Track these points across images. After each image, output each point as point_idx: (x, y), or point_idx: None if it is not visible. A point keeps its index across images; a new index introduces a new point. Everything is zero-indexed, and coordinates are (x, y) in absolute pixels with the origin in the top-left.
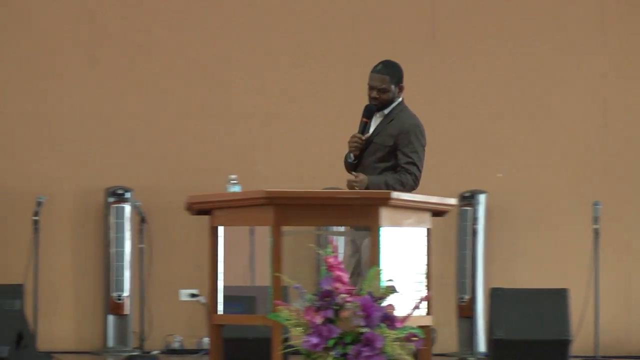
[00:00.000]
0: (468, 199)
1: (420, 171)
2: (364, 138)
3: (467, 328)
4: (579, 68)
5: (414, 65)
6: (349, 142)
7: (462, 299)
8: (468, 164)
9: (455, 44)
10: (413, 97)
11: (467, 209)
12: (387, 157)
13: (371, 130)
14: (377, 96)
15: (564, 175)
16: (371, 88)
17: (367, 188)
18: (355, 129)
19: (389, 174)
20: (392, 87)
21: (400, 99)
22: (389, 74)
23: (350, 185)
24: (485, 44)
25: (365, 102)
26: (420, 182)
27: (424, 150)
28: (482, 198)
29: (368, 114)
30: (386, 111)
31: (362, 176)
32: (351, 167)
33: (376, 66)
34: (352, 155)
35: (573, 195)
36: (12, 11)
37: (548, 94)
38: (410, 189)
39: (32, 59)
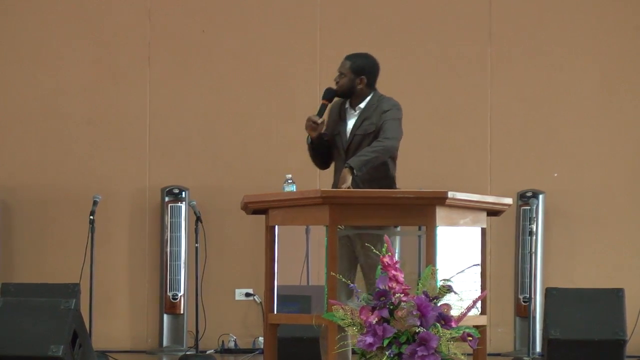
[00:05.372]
0: (527, 199)
1: (397, 138)
2: (319, 121)
3: (525, 327)
4: (638, 68)
5: (471, 65)
6: (306, 125)
7: (525, 298)
8: (526, 163)
9: (513, 44)
10: (471, 96)
11: (526, 209)
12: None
13: (349, 127)
14: (337, 80)
15: (621, 174)
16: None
17: (355, 176)
18: (415, 129)
19: (362, 150)
20: (351, 74)
21: (374, 92)
22: (350, 60)
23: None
24: (542, 43)
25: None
26: (477, 182)
27: (400, 123)
28: (540, 198)
29: (327, 95)
30: (362, 105)
31: (343, 175)
32: (314, 150)
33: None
34: (309, 137)
35: (630, 195)
36: (70, 12)
37: (606, 94)
38: (385, 154)
39: (90, 60)
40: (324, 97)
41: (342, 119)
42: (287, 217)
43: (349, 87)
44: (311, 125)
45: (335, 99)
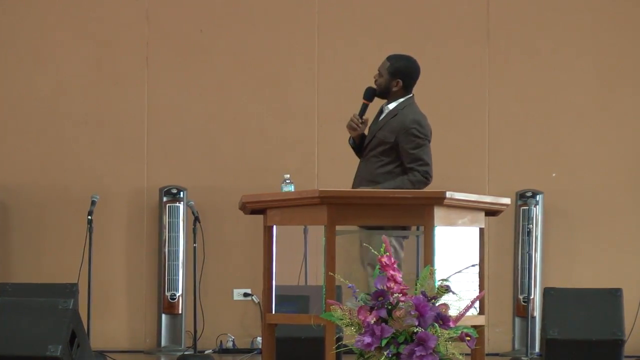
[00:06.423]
0: (526, 199)
1: (428, 165)
2: (361, 120)
3: (523, 327)
4: (636, 67)
5: (469, 65)
6: (348, 124)
7: (524, 298)
8: (525, 163)
9: (511, 44)
10: (469, 96)
11: (525, 209)
12: (388, 152)
13: (375, 127)
14: (376, 79)
15: (620, 174)
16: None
17: None
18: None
19: (398, 179)
20: (387, 75)
21: (408, 96)
22: (390, 61)
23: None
24: (540, 43)
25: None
26: (476, 182)
27: (429, 143)
28: (538, 198)
29: (367, 96)
30: (391, 106)
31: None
32: (356, 149)
33: None
34: (351, 138)
35: (629, 194)
36: (69, 12)
37: (604, 93)
38: (422, 184)
39: (88, 60)
40: (364, 97)
41: (376, 117)
42: (285, 217)
43: (385, 87)
44: (352, 125)
45: None
